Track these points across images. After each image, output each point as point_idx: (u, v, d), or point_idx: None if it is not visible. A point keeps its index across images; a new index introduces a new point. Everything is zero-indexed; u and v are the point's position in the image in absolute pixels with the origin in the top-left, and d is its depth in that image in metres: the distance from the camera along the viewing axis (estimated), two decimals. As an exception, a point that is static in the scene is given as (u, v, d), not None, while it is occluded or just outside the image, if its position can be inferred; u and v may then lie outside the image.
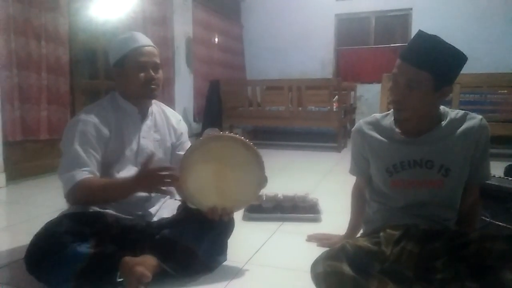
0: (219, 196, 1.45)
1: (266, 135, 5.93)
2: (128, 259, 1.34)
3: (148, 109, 1.67)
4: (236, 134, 1.44)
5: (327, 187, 3.12)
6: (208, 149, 1.42)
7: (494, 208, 2.08)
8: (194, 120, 6.02)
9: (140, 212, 1.57)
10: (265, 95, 5.48)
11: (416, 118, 1.33)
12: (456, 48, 1.23)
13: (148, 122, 1.66)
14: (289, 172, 3.72)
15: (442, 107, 1.38)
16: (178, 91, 5.55)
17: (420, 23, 6.55)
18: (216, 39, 6.77)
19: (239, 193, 1.48)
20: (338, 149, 5.08)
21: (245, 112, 5.56)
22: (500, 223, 1.96)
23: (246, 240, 1.87)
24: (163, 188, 1.40)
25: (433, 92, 1.26)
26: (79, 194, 1.44)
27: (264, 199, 2.28)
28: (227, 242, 1.62)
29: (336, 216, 2.10)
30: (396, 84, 1.30)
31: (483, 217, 1.99)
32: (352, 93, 6.62)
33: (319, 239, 1.83)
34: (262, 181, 1.47)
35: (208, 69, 6.38)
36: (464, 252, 1.21)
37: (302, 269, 1.42)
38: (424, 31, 1.26)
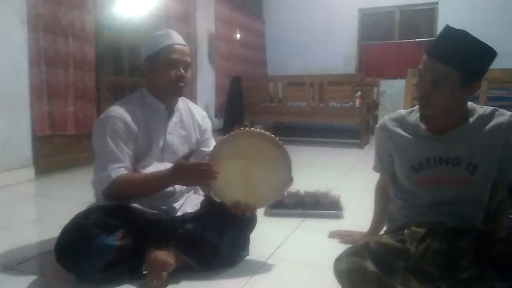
0: (244, 191, 1.46)
1: (287, 131, 5.90)
2: (152, 252, 1.37)
3: (174, 105, 1.70)
4: (267, 131, 1.45)
5: (349, 183, 3.10)
6: (238, 144, 1.43)
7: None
8: (216, 116, 6.06)
9: (164, 207, 1.60)
10: (287, 91, 5.46)
11: (443, 114, 1.31)
12: (485, 43, 1.20)
13: (174, 119, 1.68)
14: (311, 169, 3.72)
15: (469, 103, 1.35)
16: (200, 87, 5.60)
17: (446, 17, 6.39)
18: (238, 35, 6.79)
19: (264, 191, 1.49)
20: (361, 145, 5.02)
21: (266, 108, 5.56)
22: (529, 223, 1.90)
23: (268, 235, 1.88)
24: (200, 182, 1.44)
25: (460, 89, 1.23)
26: (117, 191, 1.46)
27: (286, 195, 2.28)
28: (249, 237, 1.63)
29: (359, 213, 2.09)
30: (422, 80, 1.28)
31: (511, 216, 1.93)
32: (375, 88, 6.53)
33: (341, 235, 1.82)
34: (288, 180, 1.47)
35: (230, 65, 6.40)
36: (491, 251, 1.19)
37: (324, 265, 1.42)
38: (451, 25, 1.24)
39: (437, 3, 6.81)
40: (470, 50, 1.20)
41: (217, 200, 1.50)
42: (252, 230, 1.64)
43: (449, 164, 1.32)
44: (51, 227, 1.78)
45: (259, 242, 1.70)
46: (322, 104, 5.22)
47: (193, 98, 5.31)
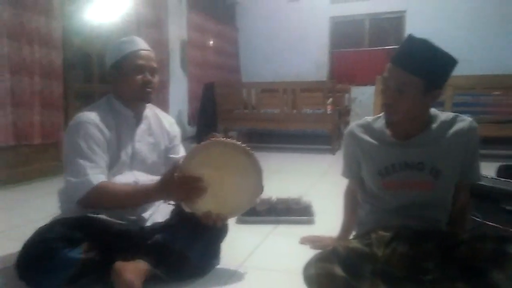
0: (215, 201, 1.44)
1: (261, 138, 5.93)
2: (119, 264, 1.33)
3: (142, 112, 1.67)
4: (235, 139, 1.44)
5: (321, 189, 3.13)
6: (209, 154, 1.41)
7: (486, 208, 2.09)
8: (189, 123, 6.02)
9: (133, 217, 1.56)
10: (260, 97, 5.48)
11: (407, 121, 1.34)
12: (446, 52, 1.25)
13: (143, 126, 1.66)
14: (283, 175, 3.73)
15: (432, 110, 1.40)
16: (173, 94, 5.55)
17: (413, 26, 6.60)
18: (211, 42, 6.77)
19: (235, 200, 1.48)
20: (332, 151, 5.09)
21: (240, 114, 5.57)
22: (492, 224, 1.97)
23: (240, 243, 1.87)
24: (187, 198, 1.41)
25: (423, 96, 1.27)
26: (98, 198, 1.42)
27: (258, 202, 2.28)
28: (220, 246, 1.61)
29: (330, 218, 2.10)
30: (386, 87, 1.31)
31: (475, 218, 2.00)
32: (347, 95, 6.63)
33: (312, 241, 1.84)
34: (259, 189, 1.47)
35: (203, 72, 6.38)
36: (455, 253, 1.22)
37: (295, 272, 1.41)
38: (417, 34, 1.28)
39: (405, 12, 7.02)
40: (431, 58, 1.24)
41: (188, 210, 1.47)
42: (223, 239, 1.62)
43: (414, 169, 1.36)
44: (13, 241, 1.70)
45: (230, 250, 1.69)
46: (295, 111, 5.26)
47: (165, 105, 5.25)
